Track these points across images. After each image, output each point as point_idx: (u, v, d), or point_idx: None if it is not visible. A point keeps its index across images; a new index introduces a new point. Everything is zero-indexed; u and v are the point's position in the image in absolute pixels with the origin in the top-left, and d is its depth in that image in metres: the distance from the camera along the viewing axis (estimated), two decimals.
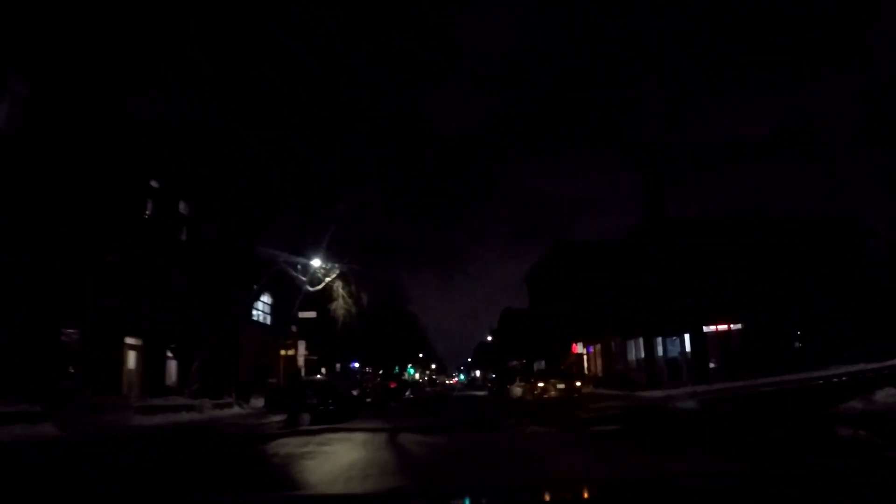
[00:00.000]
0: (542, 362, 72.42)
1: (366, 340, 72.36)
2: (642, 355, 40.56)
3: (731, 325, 38.42)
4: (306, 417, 25.10)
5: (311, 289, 37.88)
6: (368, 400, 44.26)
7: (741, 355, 37.95)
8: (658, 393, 34.61)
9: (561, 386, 33.39)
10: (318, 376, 34.55)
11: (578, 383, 34.64)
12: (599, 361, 52.77)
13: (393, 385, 53.22)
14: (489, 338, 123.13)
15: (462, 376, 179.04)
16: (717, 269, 38.71)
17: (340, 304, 42.23)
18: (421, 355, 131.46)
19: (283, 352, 48.81)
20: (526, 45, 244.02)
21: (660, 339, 39.33)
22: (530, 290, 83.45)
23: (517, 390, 39.42)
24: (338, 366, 70.17)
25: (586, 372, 56.58)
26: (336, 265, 38.17)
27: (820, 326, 38.93)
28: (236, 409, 33.31)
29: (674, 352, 39.19)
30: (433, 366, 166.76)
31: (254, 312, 45.37)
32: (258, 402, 34.86)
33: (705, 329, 38.09)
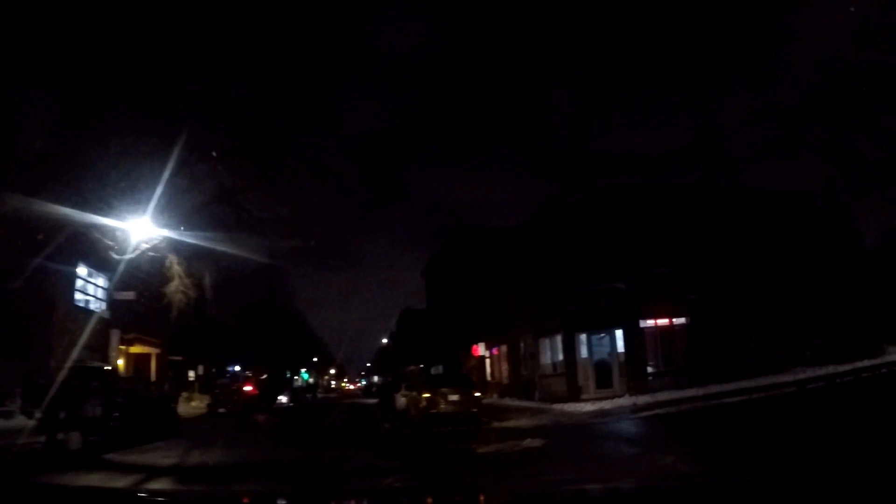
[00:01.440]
0: (440, 367, 64.25)
1: (244, 340, 63.21)
2: (560, 357, 31.82)
3: (674, 320, 30.12)
4: (76, 438, 16.70)
5: (117, 256, 27.77)
6: (222, 410, 35.95)
7: (686, 356, 29.82)
8: (585, 406, 26.02)
9: (454, 397, 24.57)
10: (106, 368, 24.90)
11: (478, 394, 25.78)
12: (505, 365, 44.01)
13: (254, 391, 42.98)
14: (385, 341, 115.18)
15: (364, 381, 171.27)
16: (658, 250, 30.59)
17: (176, 286, 32.14)
18: (316, 359, 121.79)
19: (123, 347, 38.28)
20: (445, 50, 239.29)
21: (583, 337, 30.71)
22: (428, 286, 75.07)
23: (401, 401, 30.47)
24: (200, 367, 60.10)
25: (489, 378, 48.01)
26: (161, 234, 28.09)
27: (779, 322, 31.57)
28: (18, 420, 23.68)
29: (602, 352, 30.56)
30: (332, 370, 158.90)
31: (80, 296, 34.88)
32: None
33: (642, 324, 29.68)
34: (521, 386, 38.04)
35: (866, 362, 29.33)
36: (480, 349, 49.18)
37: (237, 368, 67.50)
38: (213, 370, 63.02)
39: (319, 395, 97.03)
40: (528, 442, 15.69)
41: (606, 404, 25.53)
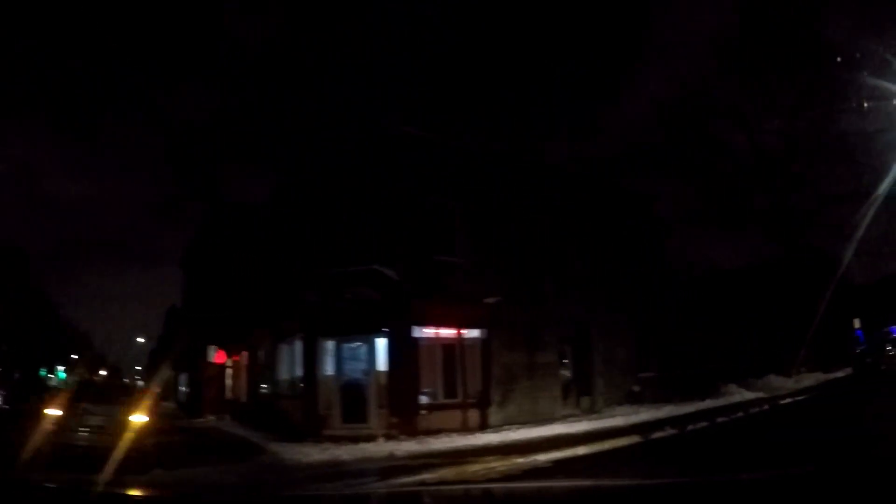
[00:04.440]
0: (185, 377, 53.32)
1: None
2: (300, 372, 21.95)
3: (465, 331, 20.97)
4: None
5: None
6: None
7: (476, 382, 20.83)
8: (314, 453, 16.07)
9: (97, 421, 14.72)
10: None
11: (139, 417, 15.51)
12: (245, 377, 33.67)
13: None
14: (140, 340, 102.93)
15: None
16: (446, 232, 21.66)
17: None
18: (77, 356, 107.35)
19: None
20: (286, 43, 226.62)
21: (331, 344, 20.90)
22: (187, 279, 62.99)
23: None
24: None
25: (229, 393, 37.53)
26: None
27: (601, 348, 23.93)
28: None
29: (356, 369, 20.79)
30: (103, 371, 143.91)
31: None
32: None
33: (416, 332, 20.30)
34: (258, 408, 27.96)
35: (710, 403, 23.08)
36: (216, 354, 38.60)
37: None
38: None
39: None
40: None
41: (345, 452, 15.87)
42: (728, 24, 39.34)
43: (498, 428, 19.18)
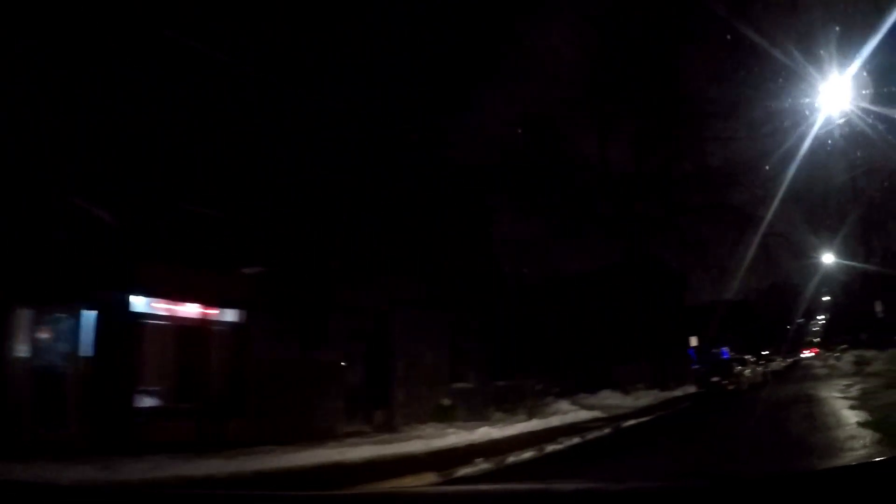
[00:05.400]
0: None
1: None
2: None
3: (212, 311, 15.70)
4: None
5: None
6: None
7: (225, 382, 15.55)
8: None
9: None
10: None
11: None
12: None
13: None
14: None
15: None
16: (195, 170, 16.08)
17: None
18: None
19: None
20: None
21: (29, 314, 14.91)
22: None
23: None
24: None
25: None
26: None
27: (405, 349, 19.51)
28: None
29: (56, 351, 14.92)
30: None
31: None
32: None
33: (142, 305, 14.69)
34: None
35: (537, 423, 19.10)
36: None
37: None
38: None
39: None
40: None
41: None
42: (587, 41, 39.08)
43: (248, 448, 13.84)
